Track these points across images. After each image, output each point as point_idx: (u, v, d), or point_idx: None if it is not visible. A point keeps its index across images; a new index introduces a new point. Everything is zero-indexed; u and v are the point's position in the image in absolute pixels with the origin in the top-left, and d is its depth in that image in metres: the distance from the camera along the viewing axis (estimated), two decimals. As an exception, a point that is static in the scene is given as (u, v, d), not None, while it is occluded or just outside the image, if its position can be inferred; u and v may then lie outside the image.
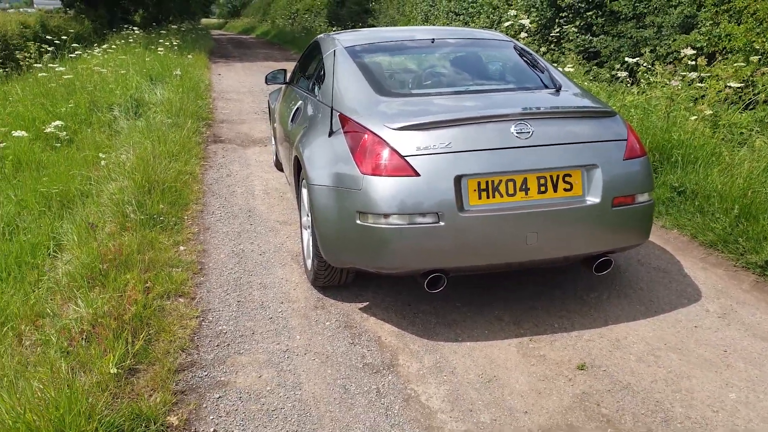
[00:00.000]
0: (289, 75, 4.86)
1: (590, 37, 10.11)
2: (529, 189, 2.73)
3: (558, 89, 3.27)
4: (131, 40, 14.84)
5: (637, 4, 9.41)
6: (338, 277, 3.18)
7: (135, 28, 18.87)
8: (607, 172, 2.80)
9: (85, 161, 5.73)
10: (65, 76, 8.94)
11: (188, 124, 6.94)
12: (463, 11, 13.37)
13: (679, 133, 5.14)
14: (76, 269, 3.30)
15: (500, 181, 2.70)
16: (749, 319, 3.07)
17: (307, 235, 3.46)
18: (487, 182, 2.69)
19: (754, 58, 6.20)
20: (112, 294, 2.97)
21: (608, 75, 8.92)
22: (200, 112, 8.33)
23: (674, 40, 8.83)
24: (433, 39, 3.77)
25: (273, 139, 5.82)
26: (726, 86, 6.11)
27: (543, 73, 3.49)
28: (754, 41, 7.53)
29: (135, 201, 4.24)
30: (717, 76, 6.36)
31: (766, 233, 3.73)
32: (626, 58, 7.70)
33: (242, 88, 11.65)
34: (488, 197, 2.69)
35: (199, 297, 3.23)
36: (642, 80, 7.46)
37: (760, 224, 3.79)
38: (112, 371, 2.39)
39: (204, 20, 45.96)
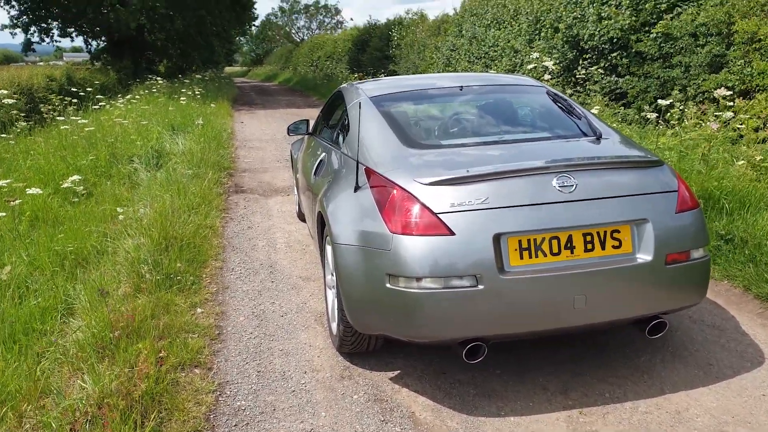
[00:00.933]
0: (312, 125, 4.71)
1: (616, 78, 9.94)
2: (574, 247, 2.48)
3: (598, 137, 3.05)
4: (155, 90, 15.07)
5: (662, 45, 9.25)
6: (366, 343, 2.94)
7: (159, 78, 19.24)
8: (658, 227, 2.54)
9: (103, 216, 5.62)
10: (87, 128, 8.99)
11: (209, 174, 6.84)
12: (484, 55, 13.35)
13: (720, 178, 4.86)
14: (86, 338, 3.10)
15: (543, 239, 2.46)
16: (824, 385, 2.74)
17: (331, 295, 3.23)
18: (528, 240, 2.45)
19: (794, 96, 5.93)
20: (122, 368, 2.75)
21: (637, 116, 8.71)
22: (222, 162, 8.26)
23: (704, 79, 8.61)
24: (462, 86, 3.60)
25: (296, 189, 5.67)
26: (764, 125, 5.84)
27: (580, 119, 3.28)
28: (788, 78, 7.27)
29: (151, 260, 4.07)
30: (755, 114, 6.09)
31: (830, 285, 3.41)
32: (659, 100, 7.49)
33: (264, 136, 11.65)
34: (530, 257, 2.45)
35: (217, 367, 3.00)
36: (672, 122, 7.22)
37: (823, 275, 3.48)
38: (119, 461, 2.15)
39: (227, 68, 47.09)
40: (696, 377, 2.81)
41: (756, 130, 5.97)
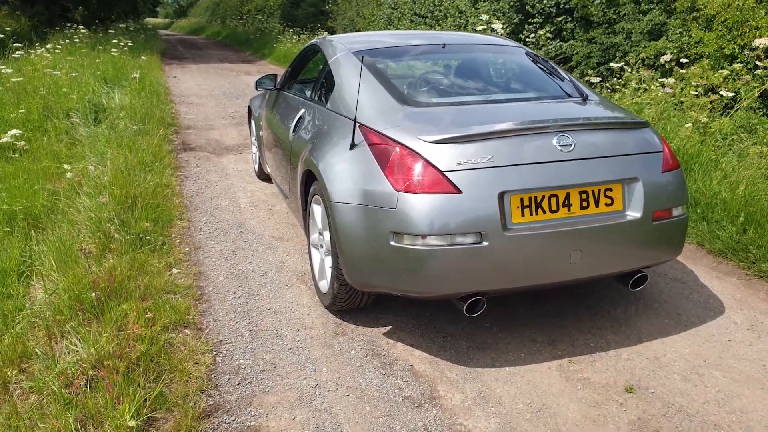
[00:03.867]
0: (278, 80, 4.58)
1: (560, 43, 10.17)
2: (571, 205, 2.59)
3: (585, 98, 3.15)
4: (76, 40, 14.09)
5: (606, 11, 9.51)
6: (359, 300, 2.96)
7: (79, 26, 17.96)
8: (647, 186, 2.68)
9: (44, 173, 5.30)
10: (13, 79, 8.34)
11: (159, 131, 6.54)
12: (428, 14, 13.29)
13: (669, 140, 5.13)
14: (63, 300, 2.96)
15: (543, 197, 2.54)
16: (777, 330, 3.02)
17: (318, 254, 3.23)
18: (530, 198, 2.53)
19: (737, 66, 6.29)
20: (111, 330, 2.66)
21: (581, 81, 9.00)
22: (165, 118, 7.91)
23: (645, 46, 8.95)
24: (444, 44, 3.59)
25: (255, 147, 5.53)
26: (708, 92, 6.18)
27: (563, 81, 3.36)
28: (724, 47, 7.68)
29: (117, 219, 3.89)
30: (693, 82, 6.42)
31: (775, 240, 3.71)
32: (611, 63, 7.73)
33: (202, 92, 11.21)
34: (531, 214, 2.53)
35: (208, 327, 2.95)
36: (616, 86, 7.51)
37: (768, 231, 3.78)
38: (130, 424, 2.10)
39: (149, 20, 44.48)
40: (668, 326, 3.03)
41: (697, 95, 6.30)
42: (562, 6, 9.78)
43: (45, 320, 2.87)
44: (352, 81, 3.17)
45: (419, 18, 13.61)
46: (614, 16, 9.25)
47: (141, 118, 7.24)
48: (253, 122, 5.54)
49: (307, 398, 2.43)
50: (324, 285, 3.11)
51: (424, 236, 2.46)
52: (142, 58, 13.53)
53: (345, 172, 2.77)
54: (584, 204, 2.60)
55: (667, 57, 6.76)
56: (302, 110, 3.69)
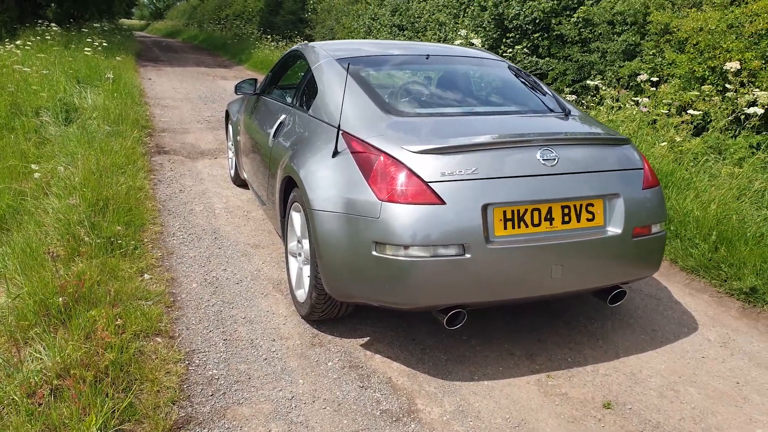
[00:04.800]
0: (258, 85, 4.52)
1: (536, 59, 10.30)
2: (553, 219, 2.58)
3: (567, 114, 3.17)
4: (48, 38, 13.80)
5: (582, 30, 9.67)
6: (337, 310, 2.91)
7: (51, 24, 17.58)
8: (628, 202, 2.70)
9: (10, 173, 5.15)
10: (-19, 75, 8.12)
11: (133, 133, 6.41)
12: (408, 26, 13.36)
13: (648, 159, 5.21)
14: (27, 305, 2.85)
15: (526, 210, 2.54)
16: (749, 347, 3.06)
17: (296, 263, 3.17)
18: (513, 211, 2.52)
19: (707, 87, 6.43)
20: (78, 337, 2.56)
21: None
22: (139, 120, 7.77)
23: (620, 66, 9.12)
24: (428, 55, 3.59)
25: (232, 152, 5.45)
26: (678, 112, 6.31)
27: (545, 96, 3.38)
28: (695, 69, 7.87)
29: (87, 221, 3.78)
30: (663, 101, 6.55)
31: (745, 260, 3.78)
32: (588, 81, 7.84)
33: (177, 95, 11.06)
34: (513, 227, 2.52)
35: (180, 336, 2.87)
36: (590, 104, 7.62)
37: (739, 250, 3.85)
38: (97, 435, 2.01)
39: (123, 21, 43.86)
40: (644, 342, 3.04)
41: (669, 115, 6.43)
42: (538, 23, 9.92)
43: (8, 326, 2.76)
44: (336, 88, 3.13)
45: (398, 30, 13.68)
46: (589, 36, 9.42)
47: (114, 119, 7.09)
48: (230, 127, 5.47)
49: (283, 411, 2.37)
50: (301, 294, 3.06)
51: (406, 247, 2.43)
52: (117, 58, 13.32)
53: (327, 179, 2.73)
54: (566, 218, 2.61)
55: (643, 77, 6.88)
56: (283, 116, 3.65)
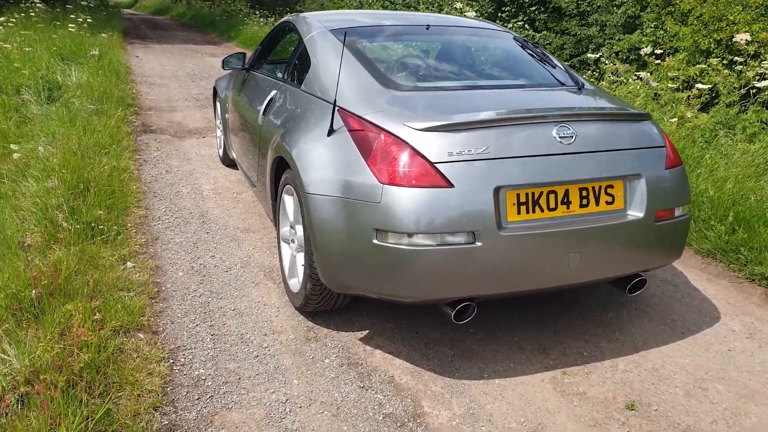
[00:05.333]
0: (248, 59, 4.24)
1: (533, 33, 9.99)
2: (570, 202, 2.36)
3: (580, 87, 2.92)
4: (32, 14, 13.34)
5: (580, 2, 9.36)
6: (333, 302, 2.69)
7: (35, 1, 17.06)
8: (650, 183, 2.47)
9: (-10, 153, 4.88)
10: (-42, 52, 7.76)
11: (117, 111, 6.11)
12: (400, 0, 12.99)
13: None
14: (-1, 298, 2.61)
15: (541, 193, 2.31)
16: (775, 338, 2.87)
17: (289, 250, 2.94)
18: (527, 194, 2.29)
19: (714, 60, 6.18)
20: (51, 335, 2.33)
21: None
22: (125, 98, 7.46)
23: (619, 39, 8.82)
24: (428, 25, 3.32)
25: (220, 130, 5.18)
26: (684, 87, 6.06)
27: (555, 68, 3.13)
28: (699, 42, 7.59)
29: (67, 206, 3.53)
30: (668, 74, 6.30)
31: (766, 243, 3.57)
32: (589, 54, 7.57)
33: (165, 73, 10.71)
34: (528, 212, 2.29)
35: (164, 331, 2.64)
36: (593, 79, 7.36)
37: (759, 234, 3.64)
38: (68, 449, 1.79)
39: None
40: (664, 333, 2.84)
41: (675, 90, 6.18)
42: (536, -4, 9.63)
43: (-24, 321, 2.53)
44: (331, 61, 2.88)
45: (390, 3, 13.30)
46: (587, 9, 9.12)
47: (98, 97, 6.78)
48: (218, 104, 5.19)
49: (277, 416, 2.16)
50: (295, 284, 2.83)
51: (410, 234, 2.20)
52: (102, 35, 12.87)
53: (322, 160, 2.48)
54: (584, 202, 2.38)
55: (646, 50, 6.62)
56: (273, 92, 3.38)
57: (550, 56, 3.26)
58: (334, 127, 2.51)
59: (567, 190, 2.35)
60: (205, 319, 2.76)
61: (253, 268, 3.31)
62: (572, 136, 2.37)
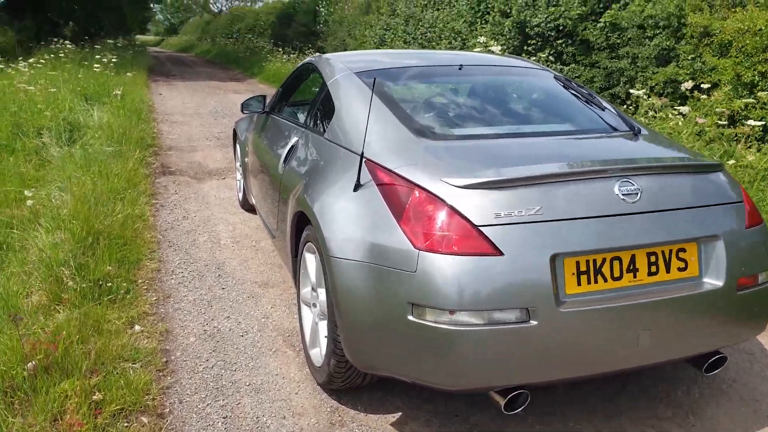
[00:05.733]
0: (268, 102, 4.02)
1: (561, 66, 9.74)
2: (637, 270, 2.02)
3: (636, 133, 2.61)
4: (62, 55, 13.51)
5: (609, 35, 9.09)
6: (361, 380, 2.37)
7: (66, 42, 17.37)
8: (729, 246, 2.13)
9: (6, 199, 4.70)
10: (-17, 95, 7.74)
11: (135, 153, 5.95)
12: (421, 36, 12.88)
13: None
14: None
15: (604, 260, 1.98)
16: None
17: (310, 314, 2.64)
18: (588, 262, 1.96)
19: (763, 94, 5.82)
20: (41, 423, 2.04)
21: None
22: (145, 138, 7.33)
23: (653, 72, 8.51)
24: (461, 65, 3.06)
25: (240, 174, 4.95)
26: (731, 123, 5.71)
27: (604, 111, 2.83)
28: (742, 75, 7.23)
29: (74, 262, 3.28)
30: (713, 110, 5.94)
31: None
32: (631, 90, 7.25)
33: (187, 110, 10.65)
34: (589, 282, 1.97)
35: (171, 413, 2.34)
36: (627, 114, 7.03)
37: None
38: None
39: (139, 37, 44.02)
40: (747, 417, 2.44)
41: (719, 126, 5.82)
42: (561, 29, 9.37)
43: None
44: (357, 107, 2.61)
45: (412, 39, 13.20)
46: (618, 41, 8.84)
47: (118, 138, 6.65)
48: (238, 147, 4.97)
49: None
50: (317, 355, 2.51)
51: (452, 311, 1.88)
52: (128, 74, 12.96)
53: (348, 217, 2.19)
54: (653, 269, 2.04)
55: (688, 85, 6.29)
56: (295, 138, 3.13)
57: (597, 97, 2.96)
58: (361, 181, 2.23)
59: (633, 256, 2.02)
60: (217, 397, 2.45)
61: (270, 332, 3.00)
62: (637, 193, 2.05)
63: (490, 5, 10.75)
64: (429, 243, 1.93)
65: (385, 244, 2.02)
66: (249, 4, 46.87)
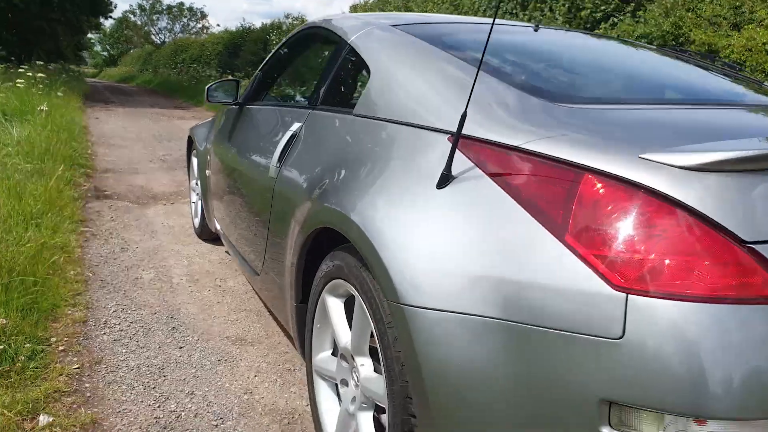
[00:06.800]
0: (244, 90, 2.98)
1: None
2: None
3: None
4: (-22, 72, 12.04)
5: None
6: None
7: (-10, 63, 15.74)
8: None
9: None
10: None
11: (58, 170, 4.75)
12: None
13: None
14: None
15: None
16: None
17: (334, 401, 1.61)
18: None
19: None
20: None
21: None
22: (76, 158, 6.12)
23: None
24: (537, 25, 2.16)
25: (197, 194, 3.87)
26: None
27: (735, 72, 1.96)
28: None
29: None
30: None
31: None
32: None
33: (128, 134, 9.43)
34: None
35: None
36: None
37: None
38: None
39: (74, 67, 41.94)
40: None
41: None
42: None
43: None
44: (411, 65, 1.65)
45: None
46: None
47: (40, 155, 5.43)
48: (194, 159, 3.90)
49: None
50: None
51: (705, 420, 0.90)
52: (58, 94, 11.60)
53: (435, 235, 1.20)
54: None
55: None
56: (297, 125, 2.11)
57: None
58: (452, 171, 1.25)
59: None
60: None
61: (257, 417, 1.94)
62: None
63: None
64: (652, 278, 0.96)
65: (532, 281, 1.03)
66: (194, 36, 45.69)
